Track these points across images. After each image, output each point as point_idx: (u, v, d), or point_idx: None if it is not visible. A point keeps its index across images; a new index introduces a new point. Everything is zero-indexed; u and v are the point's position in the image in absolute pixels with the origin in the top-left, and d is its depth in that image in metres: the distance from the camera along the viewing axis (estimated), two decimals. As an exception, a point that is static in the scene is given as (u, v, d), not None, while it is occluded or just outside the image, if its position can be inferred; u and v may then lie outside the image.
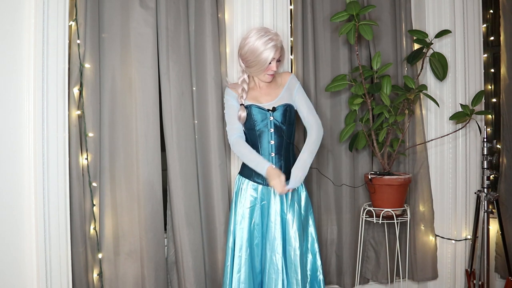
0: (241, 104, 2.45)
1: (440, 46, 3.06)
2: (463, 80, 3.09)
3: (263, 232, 2.44)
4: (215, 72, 2.75)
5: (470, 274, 2.99)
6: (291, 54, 2.94)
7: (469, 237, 3.11)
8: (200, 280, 2.73)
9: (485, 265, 2.77)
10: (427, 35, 2.86)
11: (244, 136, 2.47)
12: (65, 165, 2.42)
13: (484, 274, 2.79)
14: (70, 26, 2.48)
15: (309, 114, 2.48)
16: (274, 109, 2.43)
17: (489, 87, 3.46)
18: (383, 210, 2.79)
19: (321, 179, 3.03)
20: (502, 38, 3.18)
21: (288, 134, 2.46)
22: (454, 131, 3.04)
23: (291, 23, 2.93)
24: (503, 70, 3.19)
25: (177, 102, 2.69)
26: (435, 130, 3.12)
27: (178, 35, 2.70)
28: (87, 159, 2.54)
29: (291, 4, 2.93)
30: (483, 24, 3.20)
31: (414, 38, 2.98)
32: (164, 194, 2.78)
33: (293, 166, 2.39)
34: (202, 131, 2.78)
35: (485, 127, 2.90)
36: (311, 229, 2.53)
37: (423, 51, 2.89)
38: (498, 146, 3.25)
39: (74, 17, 2.48)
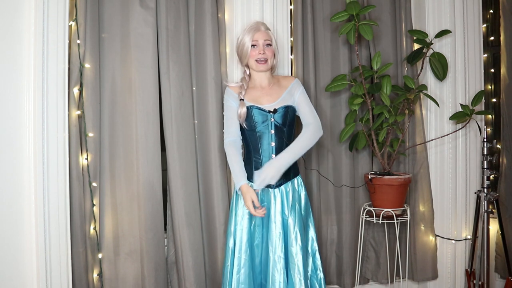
0: (241, 99, 2.45)
1: (440, 46, 3.06)
2: (463, 80, 3.09)
3: (264, 233, 2.44)
4: (215, 72, 2.75)
5: (470, 274, 3.00)
6: (291, 54, 2.94)
7: (469, 237, 3.11)
8: (200, 280, 2.73)
9: (485, 265, 2.78)
10: (427, 35, 2.86)
11: (238, 141, 2.47)
12: (65, 165, 2.42)
13: (484, 274, 2.79)
14: (70, 26, 2.48)
15: (310, 114, 2.48)
16: (275, 111, 2.43)
17: (489, 87, 3.46)
18: (383, 210, 2.79)
19: (321, 179, 3.03)
20: (502, 38, 3.18)
21: (289, 135, 2.46)
22: (454, 131, 3.04)
23: (291, 23, 2.93)
24: (503, 70, 3.19)
25: (177, 102, 2.69)
26: (435, 130, 3.12)
27: (178, 35, 2.70)
28: (87, 159, 2.55)
29: (291, 4, 2.93)
30: (483, 24, 3.20)
31: (414, 38, 2.98)
32: (164, 194, 2.78)
33: (268, 162, 2.38)
34: (202, 131, 2.78)
35: (485, 127, 2.90)
36: (311, 229, 2.53)
37: (423, 51, 2.89)
38: (498, 146, 3.25)
39: (74, 17, 2.48)
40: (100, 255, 2.62)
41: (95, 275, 2.61)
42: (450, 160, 3.12)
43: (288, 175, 2.46)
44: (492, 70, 3.43)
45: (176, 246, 2.72)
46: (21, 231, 2.35)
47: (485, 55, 3.29)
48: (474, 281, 2.92)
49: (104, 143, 2.63)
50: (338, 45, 3.05)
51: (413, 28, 3.12)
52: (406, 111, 2.87)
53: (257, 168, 2.43)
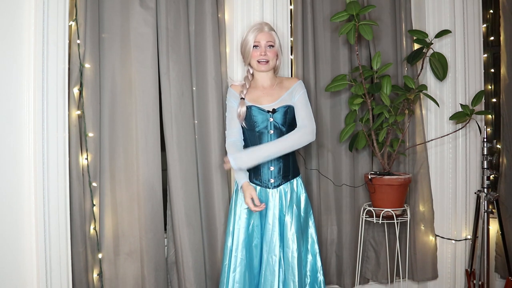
0: (241, 98, 2.45)
1: (440, 46, 3.06)
2: (463, 80, 3.09)
3: (262, 233, 2.44)
4: (215, 72, 2.75)
5: (470, 274, 3.00)
6: (291, 54, 2.94)
7: (469, 237, 3.11)
8: (200, 280, 2.73)
9: (485, 265, 2.77)
10: (427, 35, 2.86)
11: (240, 141, 2.47)
12: (65, 165, 2.42)
13: (484, 274, 2.79)
14: (70, 26, 2.48)
15: (306, 117, 2.44)
16: (274, 111, 2.43)
17: (489, 87, 3.46)
18: (383, 210, 2.79)
19: (321, 179, 3.03)
20: (502, 38, 3.18)
21: None
22: (454, 131, 3.04)
23: (291, 23, 2.93)
24: (503, 70, 3.19)
25: (177, 102, 2.69)
26: (435, 130, 3.12)
27: (178, 35, 2.70)
28: (87, 159, 2.54)
29: (291, 4, 2.93)
30: (483, 24, 3.20)
31: (414, 38, 2.98)
32: (164, 194, 2.78)
33: (252, 147, 2.41)
34: (202, 131, 2.78)
35: (485, 127, 2.90)
36: (311, 231, 2.53)
37: (423, 51, 2.89)
38: (498, 146, 3.25)
39: (74, 17, 2.48)
40: (100, 255, 2.62)
41: (95, 275, 2.61)
42: (450, 160, 3.12)
43: (286, 176, 2.46)
44: (492, 70, 3.43)
45: (176, 246, 2.72)
46: (21, 231, 2.35)
47: (485, 55, 3.29)
48: (474, 281, 2.92)
49: (104, 143, 2.63)
50: (338, 45, 3.05)
51: (413, 28, 3.11)
52: (406, 111, 2.87)
53: (255, 168, 2.44)
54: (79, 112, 2.52)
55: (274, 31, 2.49)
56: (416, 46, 3.09)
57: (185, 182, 2.69)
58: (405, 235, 3.08)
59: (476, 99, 2.86)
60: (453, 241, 3.12)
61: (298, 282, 2.35)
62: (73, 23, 2.48)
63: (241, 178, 2.42)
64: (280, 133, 2.43)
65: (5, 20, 2.29)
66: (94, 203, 2.58)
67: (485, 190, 2.82)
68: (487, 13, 3.43)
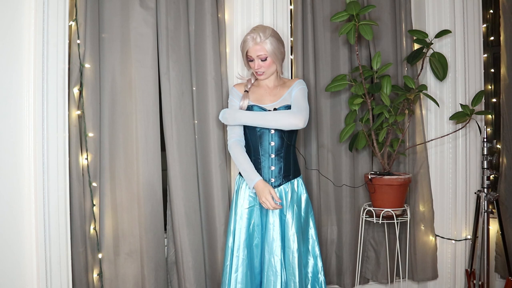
0: (245, 91, 2.46)
1: (440, 46, 3.06)
2: (463, 80, 3.09)
3: (263, 233, 2.44)
4: (215, 72, 2.75)
5: (470, 274, 3.00)
6: (291, 54, 2.94)
7: (469, 237, 3.11)
8: (200, 280, 2.73)
9: (485, 265, 2.78)
10: (427, 35, 2.86)
11: (242, 140, 2.47)
12: (65, 165, 2.42)
13: (484, 274, 2.79)
14: (70, 26, 2.48)
15: (302, 106, 2.41)
16: (275, 110, 2.43)
17: (489, 87, 3.46)
18: (383, 210, 2.79)
19: (321, 179, 3.03)
20: (502, 38, 3.18)
21: (289, 136, 2.46)
22: (454, 131, 3.04)
23: (291, 23, 2.93)
24: (503, 70, 3.19)
25: (177, 102, 2.69)
26: (435, 130, 3.12)
27: (178, 35, 2.70)
28: (87, 159, 2.54)
29: (291, 4, 2.93)
30: (483, 24, 3.20)
31: (414, 38, 2.98)
32: (164, 194, 2.78)
33: (240, 111, 2.44)
34: (202, 131, 2.78)
35: (485, 127, 2.90)
36: (312, 231, 2.53)
37: (423, 51, 2.89)
38: (498, 146, 3.25)
39: (74, 17, 2.48)
40: (100, 255, 2.62)
41: (95, 275, 2.61)
42: (450, 160, 3.12)
43: (287, 176, 2.46)
44: (492, 70, 3.43)
45: (176, 246, 2.72)
46: (21, 231, 2.34)
47: (485, 55, 3.29)
48: (474, 281, 2.92)
49: (104, 143, 2.63)
50: (338, 45, 3.05)
51: (413, 28, 3.12)
52: (406, 111, 2.87)
53: (256, 168, 2.43)
54: (79, 112, 2.52)
55: (270, 36, 2.39)
56: (416, 46, 3.09)
57: (185, 182, 2.69)
58: (405, 235, 3.08)
59: (476, 99, 2.86)
60: (453, 241, 3.12)
61: (298, 283, 2.35)
62: (73, 23, 2.49)
63: (253, 177, 2.37)
64: (281, 132, 2.43)
65: (5, 20, 2.29)
66: (94, 203, 2.58)
67: (485, 190, 2.82)
68: (487, 13, 3.43)
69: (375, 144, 2.86)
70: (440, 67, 2.92)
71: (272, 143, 2.43)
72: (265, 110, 2.43)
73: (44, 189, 2.35)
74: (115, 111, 2.64)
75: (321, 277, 2.52)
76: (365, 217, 2.92)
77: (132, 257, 2.68)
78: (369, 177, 2.81)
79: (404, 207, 2.87)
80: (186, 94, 2.73)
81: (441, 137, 3.04)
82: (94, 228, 2.59)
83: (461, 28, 3.08)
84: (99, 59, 2.58)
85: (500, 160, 3.19)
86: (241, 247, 2.40)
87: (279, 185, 2.44)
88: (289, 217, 2.41)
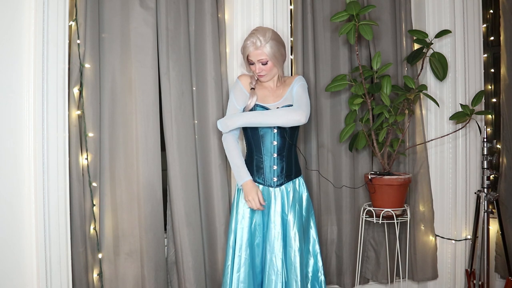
0: (252, 88, 2.46)
1: (440, 46, 3.06)
2: (463, 80, 3.09)
3: (264, 232, 2.44)
4: (215, 72, 2.75)
5: (470, 274, 2.99)
6: (291, 54, 2.94)
7: (469, 237, 3.11)
8: (200, 280, 2.73)
9: (485, 265, 2.78)
10: (427, 35, 2.86)
11: (237, 132, 2.48)
12: (65, 165, 2.42)
13: (484, 274, 2.79)
14: (70, 26, 2.48)
15: (303, 102, 2.41)
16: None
17: (489, 87, 3.46)
18: (383, 210, 2.79)
19: (321, 179, 3.03)
20: (502, 38, 3.18)
21: (291, 135, 2.46)
22: (454, 131, 3.04)
23: (291, 23, 2.93)
24: (503, 70, 3.19)
25: (177, 102, 2.69)
26: (435, 130, 3.12)
27: (178, 35, 2.70)
28: (87, 159, 2.54)
29: (291, 4, 2.93)
30: (483, 24, 3.20)
31: (414, 38, 2.98)
32: (164, 194, 2.78)
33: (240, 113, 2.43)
34: (202, 131, 2.78)
35: (485, 127, 2.90)
36: (312, 231, 2.54)
37: (423, 51, 2.89)
38: (498, 146, 3.25)
39: (74, 17, 2.48)
40: (100, 255, 2.62)
41: (95, 275, 2.61)
42: (450, 160, 3.12)
43: (289, 175, 2.46)
44: (492, 70, 3.43)
45: (176, 246, 2.72)
46: (21, 231, 2.34)
47: (485, 55, 3.29)
48: (474, 281, 2.92)
49: (104, 143, 2.63)
50: (338, 45, 3.05)
51: (413, 28, 3.11)
52: (406, 111, 2.87)
53: (258, 167, 2.44)
54: (79, 112, 2.52)
55: (271, 39, 2.38)
56: (416, 46, 3.09)
57: (185, 182, 2.69)
58: (405, 235, 3.08)
59: (476, 99, 2.86)
60: (453, 241, 3.12)
61: (300, 282, 2.35)
62: (73, 23, 2.48)
63: (244, 175, 2.40)
64: (283, 131, 2.43)
65: (5, 20, 2.29)
66: (94, 203, 2.58)
67: (485, 190, 2.82)
68: (487, 13, 3.43)
69: (375, 144, 2.86)
70: (440, 67, 2.92)
71: (275, 142, 2.44)
72: (267, 109, 2.44)
73: (44, 189, 2.35)
74: (115, 111, 2.64)
75: (321, 276, 2.52)
76: (365, 217, 2.92)
77: (132, 257, 2.68)
78: (369, 177, 2.81)
79: (404, 207, 2.87)
80: (186, 94, 2.73)
81: (441, 137, 3.04)
82: (94, 228, 2.59)
83: (461, 28, 3.08)
84: (99, 59, 2.58)
85: (500, 160, 3.19)
86: (243, 247, 2.40)
87: (281, 184, 2.45)
88: (291, 216, 2.41)
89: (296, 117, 2.36)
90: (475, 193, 3.00)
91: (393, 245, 3.07)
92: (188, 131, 2.73)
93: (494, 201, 2.83)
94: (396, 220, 2.81)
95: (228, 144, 2.45)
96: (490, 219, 2.83)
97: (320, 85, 3.01)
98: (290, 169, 2.46)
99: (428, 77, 3.10)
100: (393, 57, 3.11)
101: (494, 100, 3.44)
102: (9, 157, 2.32)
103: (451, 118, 2.96)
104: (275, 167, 2.44)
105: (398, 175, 2.82)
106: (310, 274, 2.51)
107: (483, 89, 3.13)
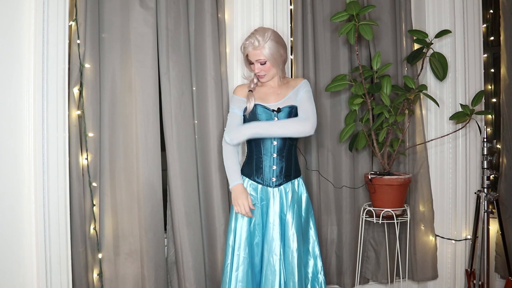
0: (249, 90, 2.46)
1: (440, 46, 3.06)
2: (463, 80, 3.09)
3: (263, 231, 2.44)
4: (215, 72, 2.75)
5: (470, 274, 3.00)
6: (291, 54, 2.94)
7: (469, 237, 3.11)
8: (200, 280, 2.73)
9: (485, 265, 2.78)
10: (427, 35, 2.86)
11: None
12: (65, 165, 2.42)
13: (484, 274, 2.79)
14: (70, 26, 2.48)
15: (310, 111, 2.41)
16: (279, 110, 2.43)
17: (489, 87, 3.46)
18: (383, 210, 2.79)
19: (321, 179, 3.03)
20: (502, 38, 3.18)
21: None
22: (454, 131, 3.04)
23: (291, 23, 2.93)
24: (503, 70, 3.19)
25: (177, 102, 2.69)
26: (435, 130, 3.12)
27: (178, 35, 2.70)
28: (87, 159, 2.55)
29: (291, 4, 2.93)
30: (483, 24, 3.20)
31: (414, 38, 2.98)
32: (164, 194, 2.78)
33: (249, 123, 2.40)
34: (202, 131, 2.78)
35: (485, 127, 2.90)
36: (312, 231, 2.53)
37: (423, 51, 2.90)
38: (498, 146, 3.25)
39: (74, 17, 2.48)
40: (100, 255, 2.62)
41: (95, 275, 2.61)
42: (450, 160, 3.12)
43: (288, 175, 2.46)
44: (492, 70, 3.43)
45: (176, 246, 2.72)
46: (21, 231, 2.34)
47: (485, 55, 3.29)
48: (474, 281, 2.92)
49: (104, 143, 2.63)
50: (338, 45, 3.05)
51: (413, 28, 3.12)
52: (406, 111, 2.87)
53: (258, 167, 2.44)
54: (79, 112, 2.52)
55: (270, 40, 2.37)
56: (416, 46, 3.09)
57: (185, 182, 2.69)
58: (405, 235, 3.08)
59: (476, 99, 2.86)
60: (453, 241, 3.12)
61: (298, 282, 2.35)
62: (73, 23, 2.49)
63: (235, 178, 2.41)
64: None
65: (5, 20, 2.29)
66: (94, 203, 2.58)
67: (485, 190, 2.82)
68: (487, 13, 3.43)
69: (375, 144, 2.86)
70: (440, 67, 2.92)
71: (275, 143, 2.43)
72: (268, 109, 2.43)
73: (44, 189, 2.35)
74: (115, 111, 2.64)
75: (321, 277, 2.52)
76: (365, 217, 2.92)
77: (132, 257, 2.68)
78: (369, 177, 2.81)
79: (404, 207, 2.87)
80: (186, 94, 2.73)
81: (441, 137, 3.04)
82: (94, 228, 2.59)
83: (461, 28, 3.08)
84: (99, 59, 2.58)
85: (500, 160, 3.19)
86: (242, 246, 2.40)
87: (280, 184, 2.44)
88: (289, 216, 2.41)
89: (303, 128, 2.38)
90: (475, 193, 3.00)
91: (393, 245, 3.07)
92: (188, 131, 2.73)
93: (494, 201, 2.83)
94: (396, 220, 2.81)
95: (227, 151, 2.45)
96: (490, 219, 2.83)
97: (320, 85, 3.01)
98: (290, 169, 2.46)
99: (428, 77, 3.10)
100: (393, 57, 3.11)
101: (494, 100, 3.44)
102: (9, 157, 2.32)
103: (451, 118, 2.96)
104: (274, 167, 2.44)
105: (398, 175, 2.82)
106: (310, 275, 2.51)
107: (483, 89, 3.13)
